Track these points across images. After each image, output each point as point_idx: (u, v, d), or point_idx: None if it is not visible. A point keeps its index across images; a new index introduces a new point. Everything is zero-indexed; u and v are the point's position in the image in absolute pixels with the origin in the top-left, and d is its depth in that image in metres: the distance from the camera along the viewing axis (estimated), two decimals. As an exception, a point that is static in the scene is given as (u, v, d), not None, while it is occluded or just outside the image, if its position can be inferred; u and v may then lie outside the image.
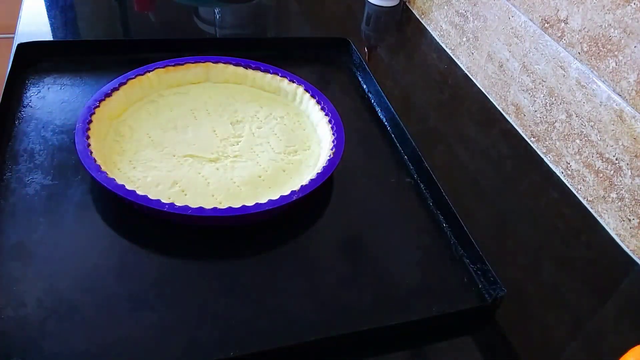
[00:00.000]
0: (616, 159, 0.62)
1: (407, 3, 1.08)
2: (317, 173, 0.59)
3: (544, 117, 0.73)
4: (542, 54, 0.72)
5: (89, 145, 0.56)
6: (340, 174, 0.62)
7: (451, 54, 0.94)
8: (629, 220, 0.61)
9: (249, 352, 0.44)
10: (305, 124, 0.69)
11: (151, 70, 0.68)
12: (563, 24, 0.68)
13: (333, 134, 0.64)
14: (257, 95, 0.72)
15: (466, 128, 0.78)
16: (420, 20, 1.04)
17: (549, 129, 0.72)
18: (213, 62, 0.72)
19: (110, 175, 0.53)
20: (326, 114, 0.67)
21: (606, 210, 0.65)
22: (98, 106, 0.61)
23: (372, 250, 0.57)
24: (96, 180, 0.53)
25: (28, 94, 0.67)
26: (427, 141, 0.71)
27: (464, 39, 0.90)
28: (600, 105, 0.63)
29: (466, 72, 0.90)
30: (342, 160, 0.61)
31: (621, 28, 0.60)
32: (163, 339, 0.45)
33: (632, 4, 0.58)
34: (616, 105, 0.61)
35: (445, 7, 0.94)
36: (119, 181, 0.53)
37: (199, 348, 0.45)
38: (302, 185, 0.57)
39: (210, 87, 0.72)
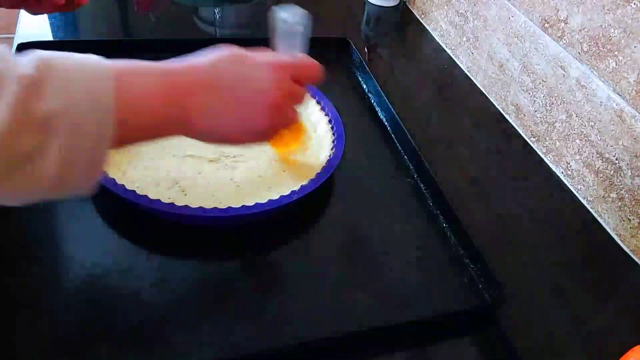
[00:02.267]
0: (616, 159, 0.62)
1: (407, 3, 1.08)
2: (317, 173, 0.59)
3: (544, 117, 0.73)
4: (542, 54, 0.72)
5: (89, 145, 0.56)
6: (340, 174, 0.62)
7: (451, 54, 0.94)
8: (629, 220, 0.61)
9: (249, 352, 0.44)
10: (305, 124, 0.69)
11: (151, 70, 0.68)
12: (563, 24, 0.68)
13: (333, 134, 0.64)
14: (257, 95, 0.72)
15: (466, 128, 0.78)
16: (420, 20, 1.04)
17: (549, 129, 0.72)
18: (213, 62, 0.72)
19: (110, 175, 0.53)
20: (326, 114, 0.67)
21: (606, 210, 0.64)
22: (98, 106, 0.61)
23: (372, 250, 0.57)
24: (96, 180, 0.53)
25: (28, 94, 0.67)
26: (427, 141, 0.71)
27: (464, 39, 0.90)
28: (600, 105, 0.63)
29: (466, 72, 0.90)
30: (342, 160, 0.61)
31: (621, 28, 0.60)
32: (162, 338, 0.45)
33: (632, 4, 0.58)
34: (616, 105, 0.61)
35: (445, 7, 0.94)
36: (119, 181, 0.53)
37: (198, 348, 0.45)
38: (302, 185, 0.57)
39: (210, 87, 0.72)
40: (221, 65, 0.41)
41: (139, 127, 0.37)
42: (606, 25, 0.61)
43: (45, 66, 0.33)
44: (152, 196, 0.52)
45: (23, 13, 0.84)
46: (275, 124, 0.44)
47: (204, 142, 0.43)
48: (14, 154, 0.31)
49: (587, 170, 0.66)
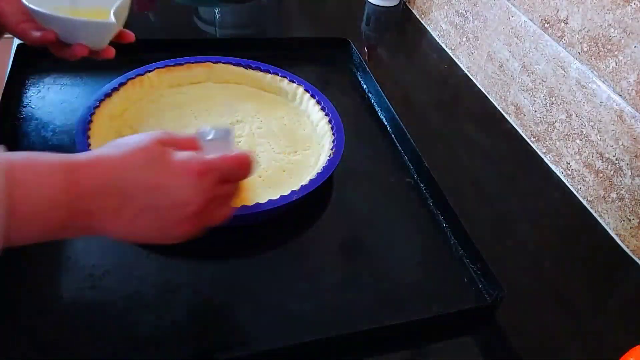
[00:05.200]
0: (616, 159, 0.62)
1: (407, 3, 1.08)
2: (317, 173, 0.59)
3: (544, 117, 0.73)
4: (542, 54, 0.72)
5: (89, 145, 0.56)
6: (340, 174, 0.62)
7: (451, 54, 0.94)
8: (629, 220, 0.61)
9: (249, 352, 0.44)
10: (305, 124, 0.69)
11: (151, 70, 0.68)
12: (563, 24, 0.68)
13: (333, 134, 0.64)
14: (257, 95, 0.72)
15: (466, 128, 0.78)
16: (420, 20, 1.04)
17: (549, 129, 0.72)
18: (213, 62, 0.72)
19: (110, 175, 0.53)
20: (326, 114, 0.67)
21: (606, 210, 0.64)
22: (98, 106, 0.61)
23: (372, 250, 0.57)
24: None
25: (28, 94, 0.67)
26: (427, 141, 0.71)
27: (464, 39, 0.90)
28: (600, 105, 0.63)
29: (466, 72, 0.90)
30: (342, 160, 0.61)
31: (621, 28, 0.60)
32: (162, 339, 0.45)
33: (632, 4, 0.58)
34: (616, 105, 0.61)
35: (445, 7, 0.94)
36: (119, 181, 0.53)
37: (198, 348, 0.45)
38: (302, 185, 0.57)
39: (210, 87, 0.72)
40: (135, 167, 0.36)
41: (33, 231, 0.34)
42: (606, 25, 0.61)
43: None
44: (152, 196, 0.52)
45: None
46: (200, 228, 0.40)
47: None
48: None
49: (587, 170, 0.66)
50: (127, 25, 0.61)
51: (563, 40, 0.68)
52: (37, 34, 0.55)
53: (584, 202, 0.68)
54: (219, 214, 0.41)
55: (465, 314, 0.51)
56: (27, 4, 0.54)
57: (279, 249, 0.56)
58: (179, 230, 0.38)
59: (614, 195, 0.63)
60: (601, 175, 0.64)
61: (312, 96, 0.70)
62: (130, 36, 0.60)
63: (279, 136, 0.66)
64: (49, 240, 0.36)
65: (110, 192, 0.35)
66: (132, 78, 0.66)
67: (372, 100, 0.78)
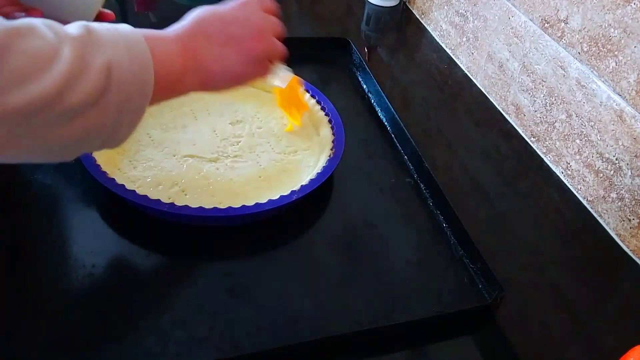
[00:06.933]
0: (616, 159, 0.62)
1: (407, 3, 1.08)
2: (317, 173, 0.59)
3: (544, 117, 0.73)
4: (542, 54, 0.72)
5: (89, 145, 0.56)
6: (340, 174, 0.62)
7: (451, 54, 0.94)
8: (629, 220, 0.61)
9: (249, 352, 0.44)
10: (306, 124, 0.69)
11: (151, 70, 0.68)
12: (563, 24, 0.68)
13: (333, 134, 0.64)
14: (257, 95, 0.72)
15: (466, 128, 0.78)
16: (420, 20, 1.04)
17: (549, 129, 0.72)
18: (213, 62, 0.72)
19: (110, 175, 0.53)
20: (326, 114, 0.67)
21: (606, 210, 0.64)
22: (98, 106, 0.61)
23: (372, 250, 0.57)
24: (96, 180, 0.53)
25: (28, 94, 0.67)
26: (427, 141, 0.71)
27: (464, 39, 0.90)
28: (600, 105, 0.63)
29: (466, 72, 0.90)
30: (342, 160, 0.61)
31: (621, 28, 0.60)
32: (162, 339, 0.45)
33: (632, 4, 0.58)
34: (616, 105, 0.61)
35: (445, 7, 0.94)
36: (119, 181, 0.53)
37: (198, 348, 0.45)
38: (302, 185, 0.57)
39: (210, 87, 0.72)
40: (204, 19, 0.47)
41: (168, 81, 0.43)
42: (606, 25, 0.61)
43: (89, 29, 0.38)
44: (152, 196, 0.52)
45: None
46: (267, 48, 0.49)
47: (216, 90, 0.49)
48: (77, 98, 0.35)
49: (587, 170, 0.66)
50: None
51: (563, 40, 0.68)
52: (22, 15, 0.53)
53: (584, 202, 0.68)
54: (274, 41, 0.50)
55: (465, 314, 0.51)
56: None
57: (279, 249, 0.56)
58: (253, 48, 0.48)
59: (614, 195, 0.63)
60: (601, 175, 0.64)
61: (312, 96, 0.70)
62: (111, 16, 0.61)
63: (279, 136, 0.66)
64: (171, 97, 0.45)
65: (202, 40, 0.46)
66: (132, 78, 0.66)
67: (372, 100, 0.78)
